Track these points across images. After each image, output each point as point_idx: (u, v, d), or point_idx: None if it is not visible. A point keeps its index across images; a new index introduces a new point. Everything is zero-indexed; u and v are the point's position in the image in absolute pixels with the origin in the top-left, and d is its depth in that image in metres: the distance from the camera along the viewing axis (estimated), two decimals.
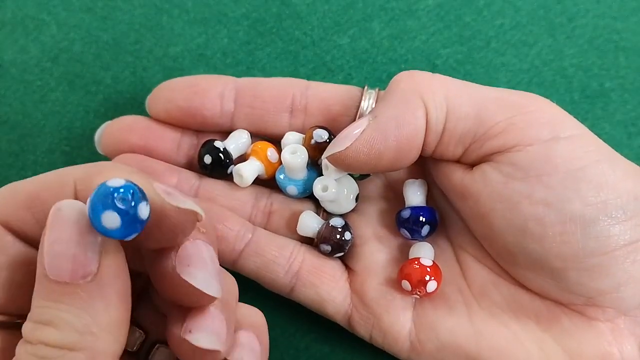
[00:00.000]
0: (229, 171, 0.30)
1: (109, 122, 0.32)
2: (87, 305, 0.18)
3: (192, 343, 0.21)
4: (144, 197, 0.18)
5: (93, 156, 0.33)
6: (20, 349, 0.18)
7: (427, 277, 0.27)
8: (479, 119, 0.26)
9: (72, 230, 0.18)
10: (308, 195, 0.30)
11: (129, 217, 0.17)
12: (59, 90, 0.36)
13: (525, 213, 0.25)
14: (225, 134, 0.31)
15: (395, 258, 0.30)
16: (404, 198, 0.30)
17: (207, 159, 0.30)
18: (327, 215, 0.30)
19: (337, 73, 0.36)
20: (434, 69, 0.36)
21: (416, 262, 0.28)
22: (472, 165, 0.27)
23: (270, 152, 0.30)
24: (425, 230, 0.28)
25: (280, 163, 0.30)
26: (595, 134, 0.26)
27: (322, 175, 0.29)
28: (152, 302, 0.25)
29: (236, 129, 0.31)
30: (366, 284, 0.29)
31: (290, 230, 0.30)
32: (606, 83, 0.35)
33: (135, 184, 0.17)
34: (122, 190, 0.17)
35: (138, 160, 0.30)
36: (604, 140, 0.26)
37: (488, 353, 0.27)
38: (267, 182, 0.31)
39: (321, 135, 0.29)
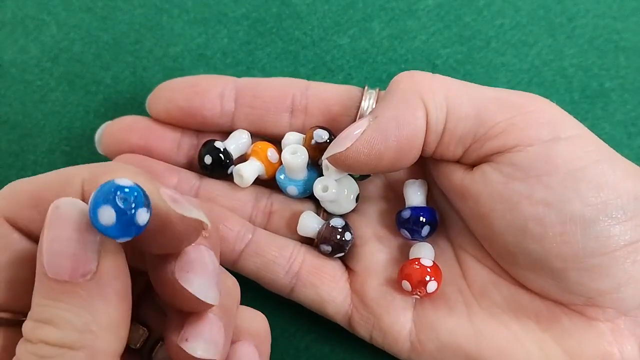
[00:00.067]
0: (229, 171, 0.30)
1: (109, 122, 0.32)
2: (87, 303, 0.18)
3: (188, 352, 0.20)
4: (147, 204, 0.17)
5: (93, 156, 0.33)
6: (21, 347, 0.18)
7: (428, 278, 0.27)
8: (479, 119, 0.26)
9: (70, 228, 0.18)
10: (308, 196, 0.30)
11: (126, 219, 0.17)
12: (59, 90, 0.36)
13: (526, 213, 0.25)
14: (225, 134, 0.31)
15: (396, 258, 0.30)
16: (404, 198, 0.30)
17: (208, 159, 0.30)
18: (327, 215, 0.30)
19: (337, 73, 0.36)
20: (434, 69, 0.36)
21: (416, 263, 0.28)
22: (472, 165, 0.27)
23: (271, 152, 0.30)
24: (426, 230, 0.28)
25: (281, 163, 0.30)
26: (595, 134, 0.26)
27: (322, 175, 0.29)
28: (156, 300, 0.25)
29: (236, 129, 0.31)
30: (366, 284, 0.29)
31: (291, 231, 0.30)
32: (606, 83, 0.35)
33: (142, 189, 0.17)
34: (127, 190, 0.17)
35: (138, 161, 0.30)
36: (604, 140, 0.26)
37: (488, 353, 0.27)
38: (268, 183, 0.31)
39: (321, 135, 0.29)
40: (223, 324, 0.21)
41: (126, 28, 0.37)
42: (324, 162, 0.28)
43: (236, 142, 0.31)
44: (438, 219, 0.29)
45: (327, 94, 0.31)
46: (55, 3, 0.37)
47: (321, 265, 0.29)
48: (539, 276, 0.26)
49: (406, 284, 0.28)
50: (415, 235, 0.29)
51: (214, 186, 0.31)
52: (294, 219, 0.30)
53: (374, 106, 0.29)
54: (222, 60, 0.36)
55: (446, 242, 0.30)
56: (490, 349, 0.27)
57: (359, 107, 0.30)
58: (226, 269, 0.24)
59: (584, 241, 0.24)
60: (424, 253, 0.29)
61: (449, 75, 0.28)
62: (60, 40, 0.36)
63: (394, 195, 0.31)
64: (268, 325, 0.25)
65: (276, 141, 0.31)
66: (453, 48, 0.36)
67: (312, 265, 0.29)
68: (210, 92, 0.30)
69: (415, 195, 0.29)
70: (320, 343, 0.32)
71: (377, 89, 0.30)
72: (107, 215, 0.17)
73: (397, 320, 0.28)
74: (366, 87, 0.30)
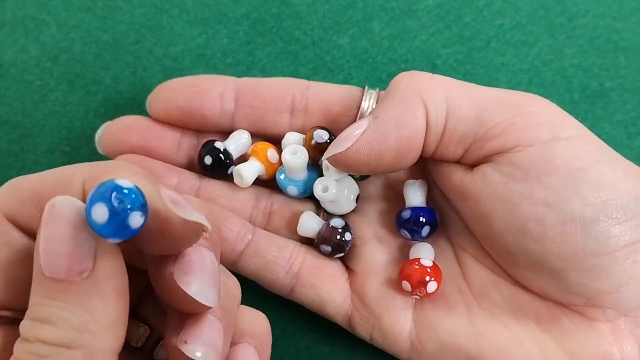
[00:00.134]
0: (229, 172, 0.30)
1: (109, 122, 0.32)
2: (84, 302, 0.18)
3: (187, 355, 0.20)
4: (143, 208, 0.17)
5: (93, 156, 0.33)
6: (18, 347, 0.18)
7: (428, 278, 0.27)
8: (479, 120, 0.26)
9: (66, 227, 0.18)
10: (308, 196, 0.30)
11: (118, 219, 0.17)
12: (59, 90, 0.36)
13: (526, 213, 0.25)
14: (225, 134, 0.31)
15: (396, 258, 0.30)
16: (404, 198, 0.30)
17: (208, 160, 0.30)
18: (327, 215, 0.30)
19: (337, 73, 0.36)
20: (434, 69, 0.36)
21: (416, 263, 0.28)
22: (472, 165, 0.27)
23: (271, 152, 0.30)
24: (426, 230, 0.28)
25: (281, 163, 0.30)
26: (595, 134, 0.26)
27: (322, 175, 0.29)
28: (157, 299, 0.25)
29: (236, 129, 0.31)
30: (366, 284, 0.29)
31: (291, 231, 0.30)
32: (606, 83, 0.35)
33: (141, 193, 0.17)
34: (125, 191, 0.17)
35: (138, 161, 0.30)
36: (604, 140, 0.26)
37: (488, 353, 0.27)
38: (268, 183, 0.31)
39: (321, 135, 0.29)
40: (223, 326, 0.21)
41: (126, 28, 0.37)
42: (324, 162, 0.28)
43: (236, 143, 0.31)
44: (438, 219, 0.29)
45: (327, 94, 0.31)
46: (55, 3, 0.37)
47: (321, 266, 0.29)
48: (539, 276, 0.26)
49: (406, 284, 0.28)
50: (415, 236, 0.29)
51: (214, 186, 0.31)
52: (294, 219, 0.30)
53: (374, 106, 0.29)
54: (222, 60, 0.36)
55: (446, 243, 0.30)
56: (490, 349, 0.27)
57: (359, 107, 0.30)
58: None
59: (584, 241, 0.24)
60: (424, 253, 0.29)
61: (449, 75, 0.28)
62: (60, 40, 0.36)
63: (394, 195, 0.31)
64: (269, 326, 0.25)
65: (276, 141, 0.31)
66: (453, 48, 0.36)
67: (312, 266, 0.29)
68: (210, 92, 0.30)
69: (415, 196, 0.29)
70: (320, 343, 0.32)
71: (377, 89, 0.30)
72: (101, 213, 0.17)
73: (397, 320, 0.28)
74: (366, 87, 0.30)
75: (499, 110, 0.26)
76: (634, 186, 0.25)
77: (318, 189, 0.29)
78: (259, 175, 0.31)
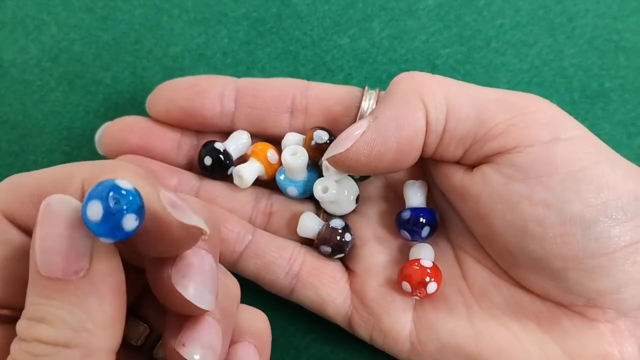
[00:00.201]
0: (229, 172, 0.30)
1: (109, 123, 0.32)
2: (81, 301, 0.18)
3: (185, 358, 0.20)
4: (139, 211, 0.17)
5: (93, 156, 0.33)
6: (15, 346, 0.18)
7: (427, 279, 0.27)
8: (479, 120, 0.26)
9: (62, 225, 0.18)
10: (308, 197, 0.30)
11: (112, 220, 0.17)
12: (59, 90, 0.36)
13: (526, 214, 0.25)
14: (225, 134, 0.31)
15: (396, 259, 0.30)
16: (404, 199, 0.30)
17: (208, 161, 0.30)
18: (327, 216, 0.30)
19: (337, 73, 0.36)
20: (434, 69, 0.36)
21: (416, 264, 0.28)
22: (472, 166, 0.27)
23: (271, 153, 0.30)
24: (426, 231, 0.28)
25: (281, 164, 0.30)
26: (595, 134, 0.26)
27: (322, 176, 0.29)
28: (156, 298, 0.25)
29: (236, 130, 0.31)
30: (366, 285, 0.29)
31: (291, 232, 0.30)
32: (606, 83, 0.35)
33: (140, 196, 0.17)
34: (123, 192, 0.17)
35: (138, 161, 0.30)
36: (604, 141, 0.26)
37: (488, 354, 0.27)
38: (268, 183, 0.31)
39: (321, 136, 0.29)
40: (222, 327, 0.21)
41: (126, 28, 0.37)
42: (324, 163, 0.28)
43: (236, 143, 0.31)
44: (438, 219, 0.29)
45: (327, 94, 0.31)
46: (55, 3, 0.37)
47: (321, 266, 0.29)
48: (539, 277, 0.26)
49: (406, 285, 0.28)
50: (415, 236, 0.29)
51: (213, 187, 0.31)
52: (294, 219, 0.30)
53: (374, 107, 0.29)
54: (222, 60, 0.36)
55: (446, 243, 0.30)
56: (490, 349, 0.27)
57: (359, 107, 0.30)
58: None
59: (584, 242, 0.24)
60: (424, 254, 0.29)
61: (449, 75, 0.28)
62: (60, 40, 0.36)
63: (394, 196, 0.31)
64: (269, 325, 0.25)
65: (276, 142, 0.31)
66: (453, 48, 0.36)
67: (312, 266, 0.29)
68: (210, 93, 0.30)
69: (415, 196, 0.29)
70: (320, 343, 0.32)
71: (377, 90, 0.30)
72: (95, 211, 0.17)
73: (397, 321, 0.28)
74: (366, 88, 0.30)
75: (499, 111, 0.26)
76: (634, 187, 0.25)
77: (318, 189, 0.29)
78: (258, 176, 0.30)
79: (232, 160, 0.30)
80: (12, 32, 0.36)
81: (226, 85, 0.31)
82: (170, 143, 0.31)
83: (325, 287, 0.29)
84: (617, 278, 0.25)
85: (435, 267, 0.28)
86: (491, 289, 0.28)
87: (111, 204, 0.16)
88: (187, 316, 0.21)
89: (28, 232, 0.20)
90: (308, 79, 0.31)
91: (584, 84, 0.35)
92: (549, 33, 0.36)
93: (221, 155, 0.30)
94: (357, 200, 0.30)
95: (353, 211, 0.30)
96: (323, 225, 0.29)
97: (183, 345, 0.20)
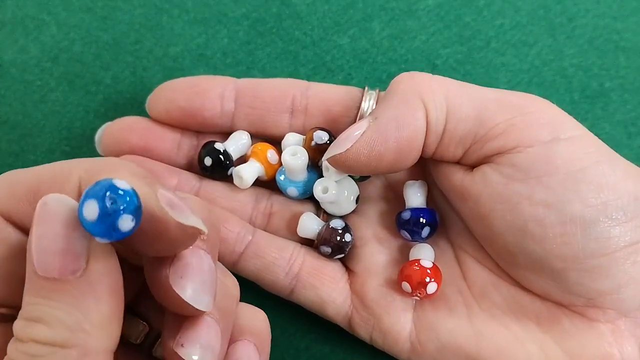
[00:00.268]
0: (229, 173, 0.30)
1: (109, 123, 0.32)
2: (78, 301, 0.18)
3: (184, 358, 0.20)
4: (136, 212, 0.17)
5: (93, 156, 0.33)
6: (12, 347, 0.18)
7: (427, 279, 0.27)
8: (479, 120, 0.26)
9: (59, 225, 0.18)
10: (308, 197, 0.30)
11: (108, 220, 0.16)
12: (59, 90, 0.36)
13: (526, 214, 0.25)
14: (225, 134, 0.31)
15: (396, 259, 0.30)
16: (404, 199, 0.30)
17: (208, 161, 0.30)
18: (327, 216, 0.30)
19: (337, 73, 0.36)
20: (434, 69, 0.36)
21: (416, 264, 0.28)
22: (472, 166, 0.27)
23: (271, 153, 0.30)
24: (426, 231, 0.28)
25: (281, 164, 0.30)
26: (595, 134, 0.26)
27: (322, 176, 0.29)
28: None
29: (236, 130, 0.31)
30: (366, 285, 0.29)
31: (291, 232, 0.30)
32: (606, 83, 0.35)
33: (137, 197, 0.17)
34: (120, 192, 0.17)
35: (138, 161, 0.30)
36: (604, 141, 0.26)
37: (488, 354, 0.27)
38: (267, 184, 0.31)
39: (321, 136, 0.29)
40: (221, 327, 0.21)
41: (126, 28, 0.37)
42: (324, 163, 0.28)
43: (236, 144, 0.31)
44: (438, 220, 0.29)
45: (327, 95, 0.31)
46: (55, 3, 0.37)
47: (321, 267, 0.29)
48: (539, 277, 0.26)
49: (406, 285, 0.28)
50: (416, 237, 0.29)
51: (213, 187, 0.31)
52: (294, 220, 0.30)
53: (374, 107, 0.29)
54: (222, 60, 0.36)
55: (446, 243, 0.30)
56: (490, 349, 0.27)
57: (359, 107, 0.30)
58: None
59: (584, 242, 0.24)
60: (424, 254, 0.29)
61: (449, 75, 0.28)
62: (60, 40, 0.36)
63: (394, 196, 0.31)
64: (268, 324, 0.25)
65: (276, 142, 0.31)
66: (453, 48, 0.36)
67: (312, 267, 0.29)
68: (210, 93, 0.30)
69: (415, 196, 0.29)
70: (320, 343, 0.32)
71: (377, 90, 0.30)
72: (91, 211, 0.17)
73: (397, 321, 0.28)
74: (366, 88, 0.30)
75: (499, 111, 0.26)
76: (634, 187, 0.25)
77: (318, 190, 0.29)
78: (258, 176, 0.30)
79: (232, 160, 0.30)
80: (12, 32, 0.36)
81: (226, 85, 0.31)
82: (170, 143, 0.31)
83: (325, 287, 0.29)
84: (617, 278, 0.25)
85: (435, 267, 0.28)
86: (491, 289, 0.28)
87: (107, 204, 0.16)
88: (185, 316, 0.21)
89: (25, 230, 0.20)
90: (308, 79, 0.31)
91: (584, 84, 0.35)
92: (549, 33, 0.36)
93: (221, 156, 0.30)
94: (357, 200, 0.30)
95: (353, 211, 0.30)
96: (323, 226, 0.29)
97: (182, 345, 0.20)
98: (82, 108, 0.35)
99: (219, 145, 0.30)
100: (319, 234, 0.29)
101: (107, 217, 0.16)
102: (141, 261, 0.22)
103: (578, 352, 0.26)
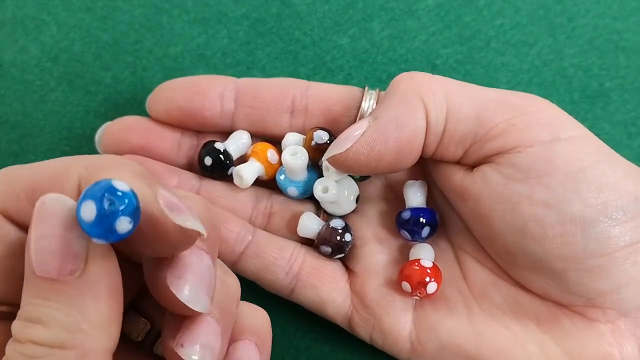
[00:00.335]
0: (229, 172, 0.30)
1: (109, 123, 0.32)
2: (76, 302, 0.18)
3: (183, 358, 0.20)
4: (134, 214, 0.17)
5: None
6: (10, 347, 0.18)
7: (427, 279, 0.27)
8: (479, 120, 0.26)
9: (57, 225, 0.17)
10: (308, 197, 0.30)
11: (106, 222, 0.16)
12: (59, 90, 0.36)
13: (526, 214, 0.25)
14: (225, 134, 0.31)
15: (396, 259, 0.30)
16: (404, 199, 0.30)
17: (208, 161, 0.30)
18: (327, 216, 0.30)
19: (337, 73, 0.36)
20: (434, 69, 0.36)
21: (416, 264, 0.28)
22: (472, 166, 0.27)
23: (271, 153, 0.30)
24: (426, 231, 0.28)
25: (281, 164, 0.30)
26: (595, 134, 0.26)
27: (322, 176, 0.29)
28: None
29: (236, 130, 0.31)
30: (366, 285, 0.29)
31: (291, 232, 0.30)
32: (606, 83, 0.35)
33: (136, 199, 0.17)
34: (119, 193, 0.16)
35: (138, 161, 0.30)
36: (604, 141, 0.26)
37: (488, 354, 0.27)
38: (268, 183, 0.31)
39: (321, 136, 0.29)
40: (221, 327, 0.21)
41: (126, 28, 0.37)
42: (324, 163, 0.28)
43: (236, 143, 0.31)
44: (438, 220, 0.29)
45: (327, 95, 0.31)
46: (55, 3, 0.37)
47: (321, 267, 0.29)
48: (539, 277, 0.26)
49: (406, 285, 0.28)
50: (416, 236, 0.29)
51: (214, 187, 0.31)
52: (294, 220, 0.30)
53: (374, 107, 0.29)
54: (222, 60, 0.36)
55: (446, 243, 0.30)
56: (490, 349, 0.27)
57: (359, 107, 0.30)
58: None
59: (584, 242, 0.24)
60: (424, 254, 0.29)
61: (449, 75, 0.28)
62: (60, 40, 0.36)
63: (394, 196, 0.31)
64: (269, 322, 0.25)
65: (276, 142, 0.31)
66: (453, 48, 0.36)
67: (312, 267, 0.29)
68: (210, 93, 0.30)
69: (415, 196, 0.29)
70: (320, 343, 0.32)
71: (377, 90, 0.30)
72: (89, 212, 0.16)
73: (397, 321, 0.28)
74: (366, 88, 0.30)
75: (499, 111, 0.26)
76: (634, 187, 0.25)
77: (318, 189, 0.29)
78: (258, 176, 0.30)
79: (232, 160, 0.30)
80: (12, 32, 0.36)
81: (226, 85, 0.31)
82: (170, 143, 0.31)
83: (325, 287, 0.29)
84: (617, 278, 0.25)
85: (435, 267, 0.28)
86: (491, 289, 0.28)
87: (105, 205, 0.16)
88: (184, 317, 0.21)
89: (24, 227, 0.20)
90: (308, 79, 0.31)
91: (584, 84, 0.35)
92: (549, 33, 0.36)
93: (221, 155, 0.30)
94: (357, 200, 0.30)
95: (353, 211, 0.30)
96: (323, 226, 0.29)
97: (181, 345, 0.20)
98: (82, 108, 0.35)
99: (219, 145, 0.30)
100: (319, 233, 0.29)
101: (105, 219, 0.16)
102: (142, 258, 0.22)
103: (578, 352, 0.26)
